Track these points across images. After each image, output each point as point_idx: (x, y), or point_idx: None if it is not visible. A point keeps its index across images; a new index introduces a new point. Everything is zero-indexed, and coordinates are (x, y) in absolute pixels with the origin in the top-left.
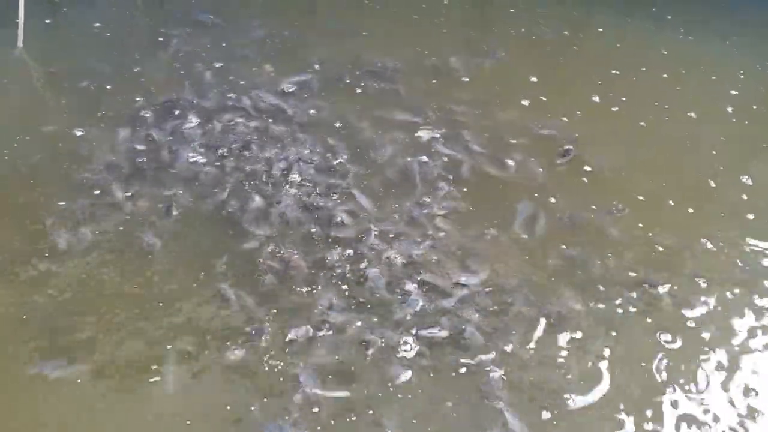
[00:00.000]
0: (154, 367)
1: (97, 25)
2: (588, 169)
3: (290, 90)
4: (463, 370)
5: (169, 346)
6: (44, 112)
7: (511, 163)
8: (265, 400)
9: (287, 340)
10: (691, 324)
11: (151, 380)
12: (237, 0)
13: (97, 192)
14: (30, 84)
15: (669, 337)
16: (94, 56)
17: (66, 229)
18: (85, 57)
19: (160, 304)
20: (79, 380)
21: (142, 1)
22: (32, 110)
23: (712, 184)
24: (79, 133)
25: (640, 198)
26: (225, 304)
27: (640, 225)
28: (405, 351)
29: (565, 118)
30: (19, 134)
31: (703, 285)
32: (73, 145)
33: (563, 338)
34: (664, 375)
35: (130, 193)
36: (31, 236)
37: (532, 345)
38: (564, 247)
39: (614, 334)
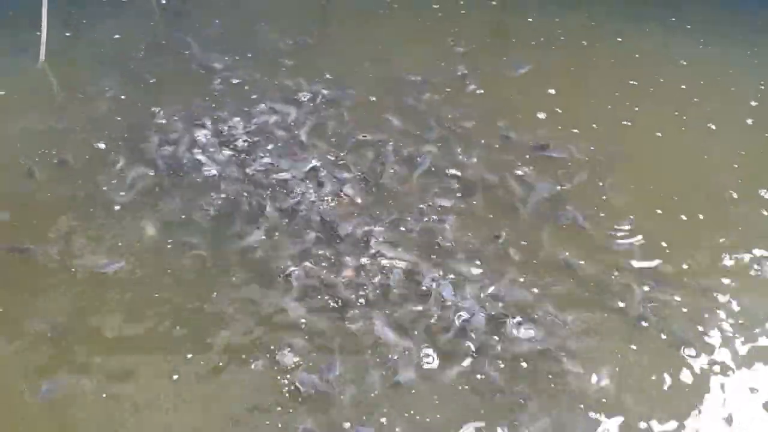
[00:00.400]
0: None
1: (117, 36)
2: (600, 183)
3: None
4: None
5: None
6: (66, 125)
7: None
8: None
9: None
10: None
11: None
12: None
13: (117, 208)
14: (52, 97)
15: (693, 352)
16: (113, 68)
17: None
18: (106, 69)
19: None
20: None
21: (161, 13)
22: (55, 123)
23: (733, 197)
24: (101, 146)
25: (658, 211)
26: None
27: (656, 238)
28: None
29: (576, 130)
30: (42, 147)
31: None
32: (96, 156)
33: None
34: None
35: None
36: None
37: None
38: (567, 254)
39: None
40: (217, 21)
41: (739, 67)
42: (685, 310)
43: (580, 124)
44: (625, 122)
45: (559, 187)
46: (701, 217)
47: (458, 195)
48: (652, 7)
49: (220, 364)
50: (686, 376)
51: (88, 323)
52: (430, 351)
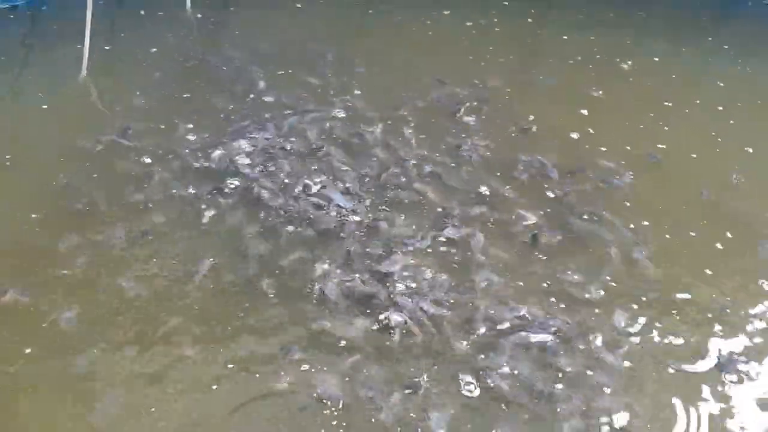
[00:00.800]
0: None
1: (154, 50)
2: (628, 204)
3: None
4: None
5: None
6: (108, 138)
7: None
8: None
9: None
10: None
11: None
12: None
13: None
14: (96, 110)
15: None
16: (152, 81)
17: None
18: (144, 82)
19: None
20: None
21: (197, 26)
22: (96, 136)
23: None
24: (148, 161)
25: (692, 234)
26: None
27: (687, 265)
28: None
29: (604, 148)
30: (88, 161)
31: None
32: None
33: None
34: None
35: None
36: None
37: None
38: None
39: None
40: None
41: None
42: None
43: (612, 143)
44: (657, 141)
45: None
46: (733, 241)
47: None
48: (689, 27)
49: None
50: None
51: None
52: None
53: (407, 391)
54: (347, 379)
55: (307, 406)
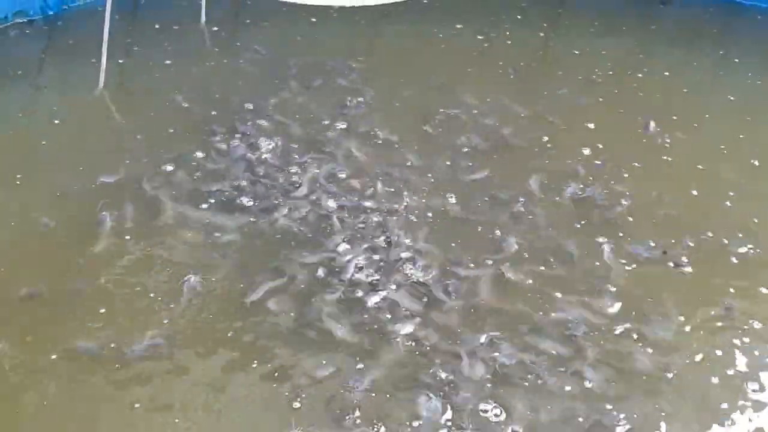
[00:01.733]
0: None
1: (168, 62)
2: (631, 218)
3: None
4: None
5: None
6: (130, 150)
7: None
8: None
9: None
10: None
11: None
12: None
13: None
14: (114, 123)
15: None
16: (167, 94)
17: None
18: (160, 94)
19: None
20: None
21: (210, 37)
22: (118, 149)
23: None
24: (169, 168)
25: (701, 239)
26: None
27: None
28: None
29: (609, 162)
30: (104, 173)
31: None
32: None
33: None
34: None
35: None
36: None
37: None
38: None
39: None
40: (263, 51)
41: None
42: None
43: (618, 158)
44: (662, 156)
45: None
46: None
47: None
48: (701, 39)
49: None
50: None
51: None
52: None
53: None
54: None
55: None
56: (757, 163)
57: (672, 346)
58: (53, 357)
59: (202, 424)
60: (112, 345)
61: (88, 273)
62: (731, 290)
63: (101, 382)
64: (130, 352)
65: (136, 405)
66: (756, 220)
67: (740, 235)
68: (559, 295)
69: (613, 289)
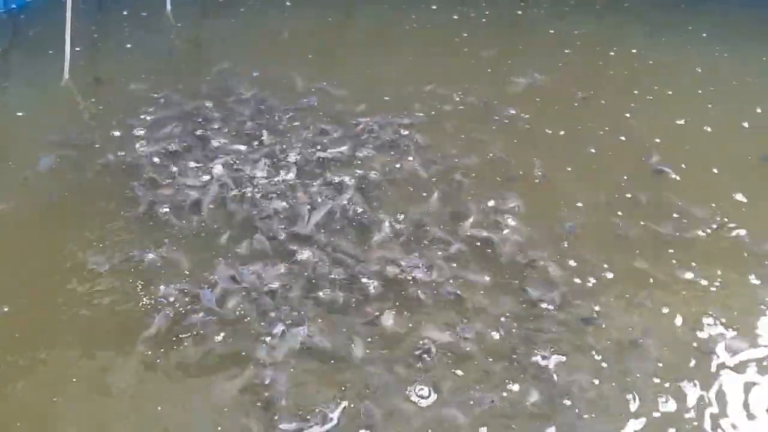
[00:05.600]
0: None
1: (133, 49)
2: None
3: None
4: None
5: None
6: (98, 140)
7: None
8: None
9: None
10: None
11: None
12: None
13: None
14: (80, 115)
15: None
16: (133, 82)
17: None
18: (127, 83)
19: None
20: None
21: (177, 33)
22: (86, 139)
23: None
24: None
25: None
26: None
27: None
28: None
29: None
30: (75, 164)
31: None
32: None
33: None
34: None
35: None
36: None
37: None
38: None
39: None
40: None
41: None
42: None
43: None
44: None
45: None
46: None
47: None
48: (669, 17)
49: None
50: None
51: None
52: None
53: None
54: None
55: None
56: (709, 129)
57: None
58: None
59: None
60: None
61: None
62: None
63: None
64: None
65: None
66: None
67: None
68: None
69: None
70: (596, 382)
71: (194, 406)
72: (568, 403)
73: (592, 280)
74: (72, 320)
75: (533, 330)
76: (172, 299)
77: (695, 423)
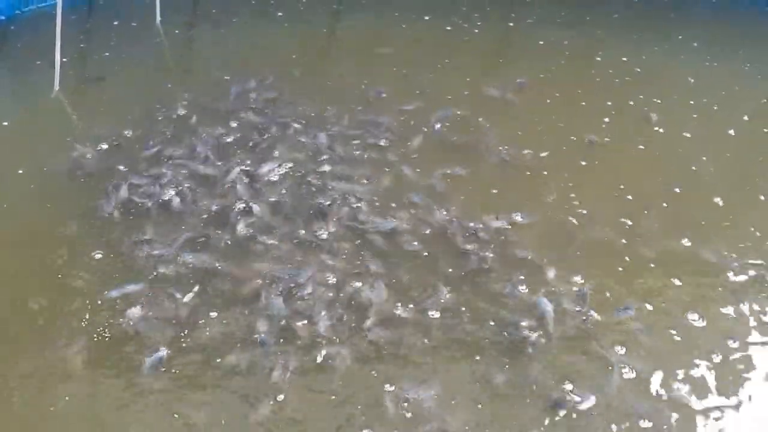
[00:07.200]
0: None
1: (125, 60)
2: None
3: None
4: None
5: None
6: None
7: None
8: None
9: None
10: None
11: None
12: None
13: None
14: (69, 125)
15: None
16: (123, 96)
17: None
18: (116, 97)
19: None
20: None
21: (165, 35)
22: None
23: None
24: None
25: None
26: None
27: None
28: None
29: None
30: (61, 175)
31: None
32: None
33: None
34: None
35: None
36: None
37: None
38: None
39: None
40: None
41: (739, 81)
42: None
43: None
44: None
45: None
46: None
47: None
48: (659, 27)
49: None
50: None
51: None
52: None
53: None
54: None
55: None
56: (688, 135)
57: None
58: None
59: None
60: None
61: None
62: None
63: None
64: None
65: None
66: None
67: None
68: None
69: None
70: None
71: None
72: None
73: None
74: None
75: None
76: None
77: None
